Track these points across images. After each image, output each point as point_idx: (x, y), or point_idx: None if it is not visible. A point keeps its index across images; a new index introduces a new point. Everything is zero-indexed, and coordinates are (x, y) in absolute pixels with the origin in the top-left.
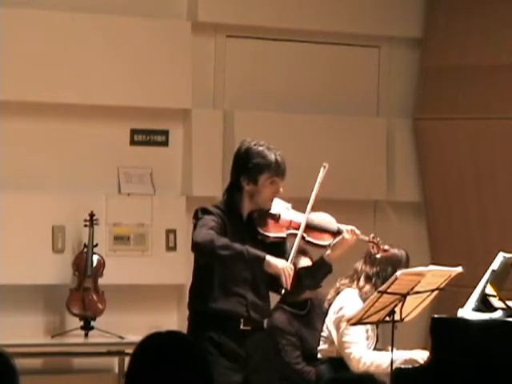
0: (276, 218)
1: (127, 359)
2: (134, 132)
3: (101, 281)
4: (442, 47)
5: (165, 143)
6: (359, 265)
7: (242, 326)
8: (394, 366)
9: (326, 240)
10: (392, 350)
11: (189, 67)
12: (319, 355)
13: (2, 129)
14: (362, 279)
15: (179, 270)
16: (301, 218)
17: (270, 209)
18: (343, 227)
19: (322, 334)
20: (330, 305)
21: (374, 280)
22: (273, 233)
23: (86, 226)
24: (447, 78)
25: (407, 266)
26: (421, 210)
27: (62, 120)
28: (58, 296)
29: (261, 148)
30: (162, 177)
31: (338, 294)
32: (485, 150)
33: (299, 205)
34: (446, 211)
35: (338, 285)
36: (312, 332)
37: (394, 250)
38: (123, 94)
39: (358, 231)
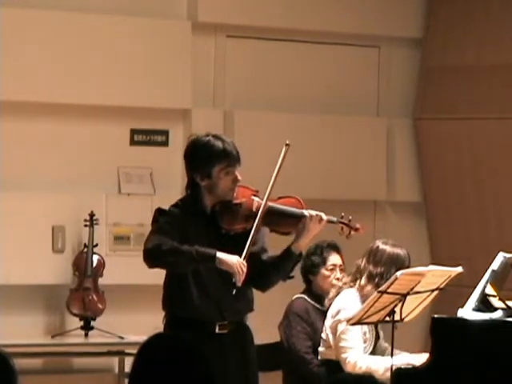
0: (237, 208)
1: (127, 359)
2: (133, 132)
3: (101, 281)
4: (442, 47)
5: (165, 143)
6: (362, 262)
7: (217, 330)
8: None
9: (289, 227)
10: (392, 351)
11: (189, 67)
12: (319, 357)
13: (2, 129)
14: (364, 278)
15: None
16: (261, 204)
17: (232, 199)
18: (307, 212)
19: (322, 335)
20: (330, 304)
21: (376, 280)
22: (233, 226)
23: (86, 225)
24: (447, 78)
25: (409, 266)
26: (421, 210)
27: (62, 120)
28: (58, 296)
29: (206, 139)
30: (162, 177)
31: (339, 293)
32: (485, 149)
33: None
34: (446, 211)
35: (340, 284)
36: None
37: (398, 250)
38: (123, 94)
39: (323, 215)
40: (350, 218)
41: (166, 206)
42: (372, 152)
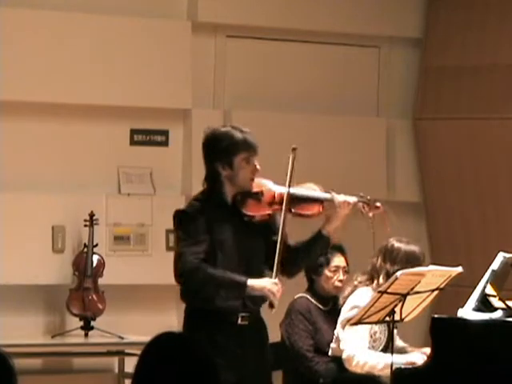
0: (259, 196)
1: (127, 359)
2: (133, 132)
3: (101, 281)
4: (442, 47)
5: (165, 143)
6: (377, 261)
7: (239, 322)
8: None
9: (314, 209)
10: (392, 351)
11: (189, 67)
12: (330, 353)
13: (1, 129)
14: (381, 277)
15: None
16: (283, 191)
17: (251, 189)
18: (333, 196)
19: (335, 331)
20: (344, 302)
21: None
22: (258, 212)
23: (86, 226)
24: (447, 78)
25: (422, 263)
26: (421, 210)
27: (62, 120)
28: (58, 296)
29: (226, 129)
30: (162, 177)
31: (353, 291)
32: (485, 149)
33: None
34: (446, 211)
35: (355, 282)
36: (327, 329)
37: (413, 247)
38: (123, 94)
39: (348, 198)
40: (369, 197)
41: (181, 207)
42: (372, 152)
